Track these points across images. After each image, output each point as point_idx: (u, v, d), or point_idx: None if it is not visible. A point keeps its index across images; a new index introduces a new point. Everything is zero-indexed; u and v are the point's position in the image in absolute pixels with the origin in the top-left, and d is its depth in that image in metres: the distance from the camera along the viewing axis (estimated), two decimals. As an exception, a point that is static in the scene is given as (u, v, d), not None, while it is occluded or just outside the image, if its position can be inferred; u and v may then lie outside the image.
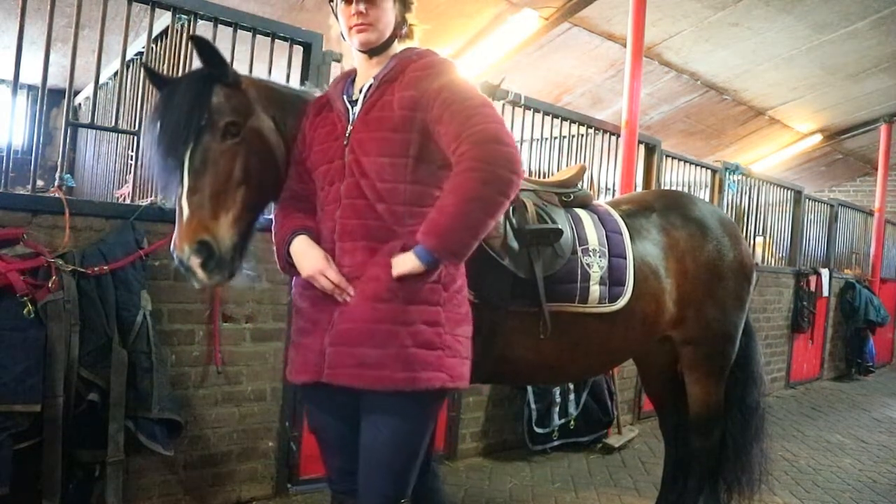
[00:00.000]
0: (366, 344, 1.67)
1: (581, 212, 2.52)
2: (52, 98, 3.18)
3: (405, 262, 1.68)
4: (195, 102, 1.74)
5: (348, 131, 1.77)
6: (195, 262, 1.69)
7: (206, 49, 1.78)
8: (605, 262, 2.40)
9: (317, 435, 1.94)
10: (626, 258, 2.47)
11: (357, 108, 1.80)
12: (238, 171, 1.77)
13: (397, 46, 1.87)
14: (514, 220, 2.26)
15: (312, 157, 1.85)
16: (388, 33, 1.80)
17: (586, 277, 2.35)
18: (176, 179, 1.75)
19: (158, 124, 1.76)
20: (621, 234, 2.52)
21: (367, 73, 1.84)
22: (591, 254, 2.40)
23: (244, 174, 1.78)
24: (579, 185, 2.62)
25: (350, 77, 1.92)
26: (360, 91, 1.82)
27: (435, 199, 1.71)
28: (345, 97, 1.85)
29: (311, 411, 1.93)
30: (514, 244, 2.22)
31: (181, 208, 1.72)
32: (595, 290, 2.36)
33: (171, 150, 1.73)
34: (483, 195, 1.61)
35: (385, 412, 1.71)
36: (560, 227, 2.32)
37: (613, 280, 2.41)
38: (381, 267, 1.70)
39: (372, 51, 1.81)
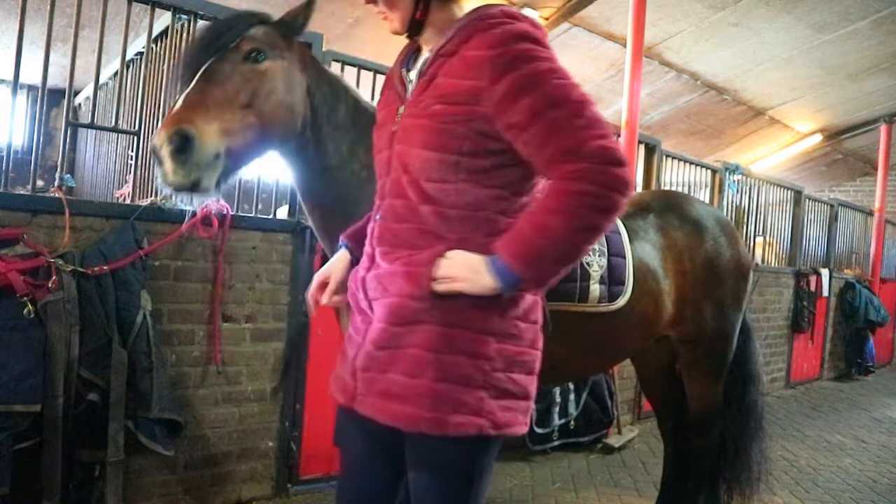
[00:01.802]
0: (392, 369, 1.40)
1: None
2: (52, 98, 3.18)
3: (479, 276, 1.35)
4: (233, 25, 1.75)
5: (399, 115, 1.48)
6: (167, 149, 1.57)
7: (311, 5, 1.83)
8: (604, 262, 2.40)
9: (339, 450, 1.68)
10: (625, 257, 2.47)
11: (412, 87, 1.49)
12: (246, 94, 1.71)
13: (459, 7, 1.51)
14: None
15: (374, 141, 1.60)
16: (409, 14, 1.48)
17: (586, 276, 2.35)
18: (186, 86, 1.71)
19: (193, 40, 1.76)
20: (620, 234, 2.52)
21: (426, 45, 1.54)
22: (590, 253, 2.39)
23: (251, 99, 1.72)
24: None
25: (417, 44, 1.59)
26: (418, 65, 1.52)
27: (496, 201, 1.42)
28: (404, 70, 1.55)
29: (339, 426, 1.64)
30: None
31: (175, 102, 1.66)
32: (595, 289, 2.36)
33: (193, 60, 1.72)
34: (595, 225, 1.33)
35: (423, 457, 1.44)
36: None
37: (613, 279, 2.41)
38: (415, 276, 1.40)
39: (409, 34, 1.53)
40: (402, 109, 1.47)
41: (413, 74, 1.51)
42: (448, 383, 1.37)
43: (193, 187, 1.63)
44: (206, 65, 1.71)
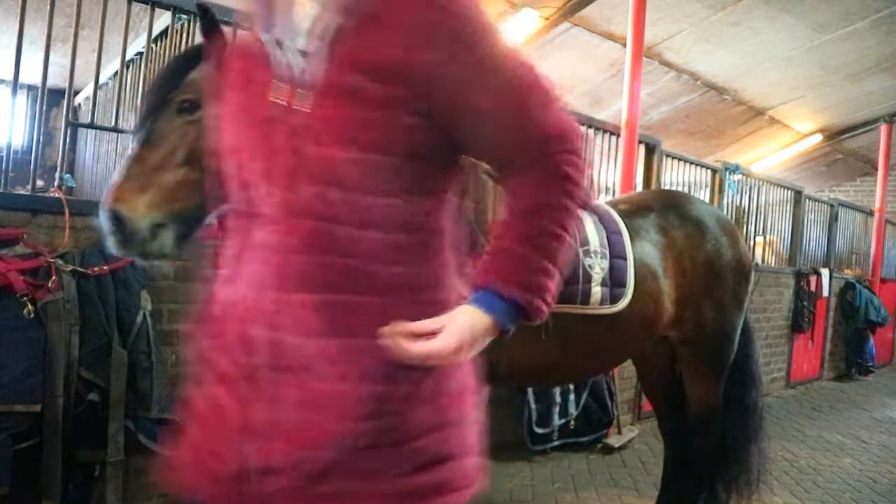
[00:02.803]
0: (336, 476, 1.01)
1: (581, 212, 2.52)
2: (52, 98, 3.18)
3: (471, 324, 1.01)
4: (171, 75, 1.71)
5: (286, 99, 1.04)
6: (107, 227, 1.59)
7: (205, 14, 1.66)
8: (606, 264, 2.40)
9: None
10: (626, 259, 2.47)
11: (298, 58, 1.04)
12: (183, 151, 1.64)
13: None
14: None
15: (224, 138, 1.12)
16: None
17: (588, 279, 2.35)
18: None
19: (145, 94, 1.75)
20: (621, 235, 2.53)
21: None
22: (592, 255, 2.39)
23: (189, 155, 1.64)
24: (578, 186, 2.63)
25: None
26: (300, 29, 1.06)
27: (432, 215, 1.09)
28: (266, 35, 1.08)
29: None
30: None
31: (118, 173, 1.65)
32: (597, 291, 2.36)
33: (143, 117, 1.70)
34: (575, 222, 1.13)
35: None
36: None
37: (615, 281, 2.41)
38: (358, 346, 1.02)
39: None
40: (288, 90, 1.04)
41: (293, 42, 1.05)
42: (415, 475, 1.04)
43: (145, 258, 1.64)
44: (147, 124, 1.68)
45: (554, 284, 1.07)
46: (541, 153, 1.06)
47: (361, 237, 1.02)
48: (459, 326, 1.00)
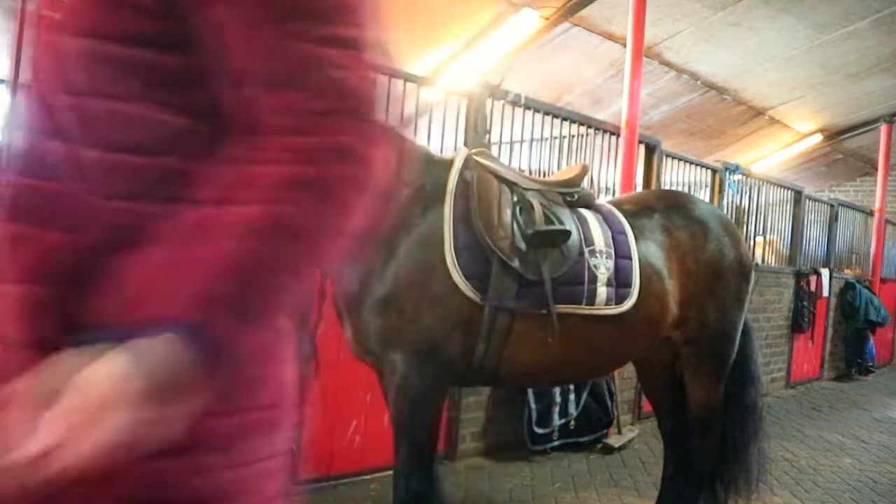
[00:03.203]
0: None
1: (586, 212, 2.52)
2: (52, 98, 3.18)
3: (121, 396, 0.58)
4: None
5: None
6: None
7: None
8: (611, 264, 2.40)
9: None
10: (632, 259, 2.47)
11: None
12: None
13: None
14: (521, 221, 2.25)
15: None
16: None
17: (593, 279, 2.35)
18: None
19: None
20: (626, 235, 2.52)
21: None
22: (597, 255, 2.39)
23: None
24: (582, 185, 2.63)
25: None
26: None
27: (190, 138, 0.74)
28: None
29: None
30: (522, 245, 2.22)
31: None
32: (602, 291, 2.35)
33: None
34: (310, 235, 0.69)
35: None
36: (568, 228, 2.32)
37: (620, 281, 2.40)
38: (27, 294, 0.71)
39: None
40: None
41: None
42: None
43: None
44: None
45: (282, 301, 0.70)
46: (307, 106, 0.68)
47: (47, 149, 0.72)
48: (93, 408, 0.57)
